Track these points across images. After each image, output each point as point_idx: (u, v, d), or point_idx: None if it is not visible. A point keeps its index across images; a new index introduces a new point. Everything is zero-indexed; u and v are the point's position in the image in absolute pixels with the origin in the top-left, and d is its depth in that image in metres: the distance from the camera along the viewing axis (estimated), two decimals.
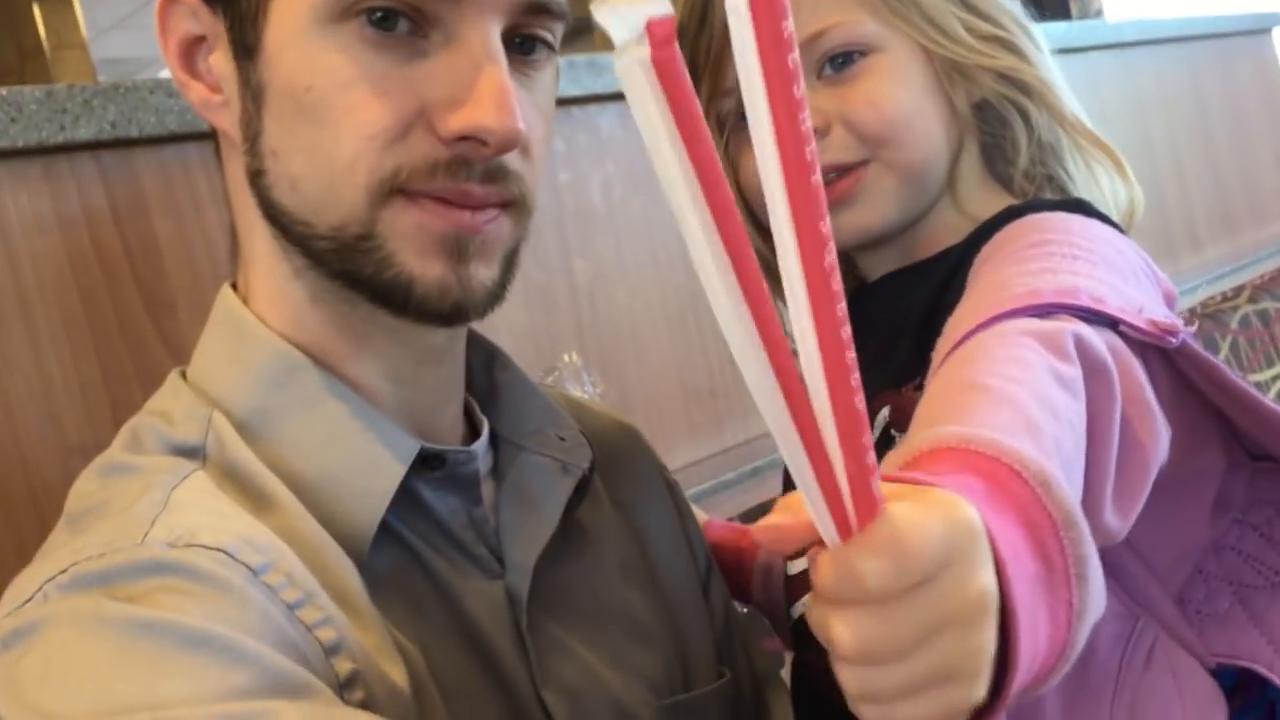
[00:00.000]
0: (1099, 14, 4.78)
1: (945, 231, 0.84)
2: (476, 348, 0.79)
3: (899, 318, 0.81)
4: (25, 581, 0.59)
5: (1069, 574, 0.47)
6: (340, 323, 0.68)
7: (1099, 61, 2.11)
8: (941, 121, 0.83)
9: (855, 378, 0.38)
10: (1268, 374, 1.54)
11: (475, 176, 0.64)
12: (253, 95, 0.65)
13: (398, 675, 0.62)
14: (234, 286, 0.72)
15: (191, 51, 0.68)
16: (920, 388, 0.73)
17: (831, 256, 0.36)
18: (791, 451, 0.38)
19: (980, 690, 0.42)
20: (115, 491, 0.63)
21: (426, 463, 0.68)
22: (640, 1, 0.33)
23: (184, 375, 0.71)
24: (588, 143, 1.28)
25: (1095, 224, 0.77)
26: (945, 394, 0.58)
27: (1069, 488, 0.48)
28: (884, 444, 0.75)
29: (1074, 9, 4.40)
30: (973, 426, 0.51)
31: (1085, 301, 0.65)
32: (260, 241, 0.69)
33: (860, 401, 0.38)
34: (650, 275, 1.33)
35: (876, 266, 0.88)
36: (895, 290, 0.85)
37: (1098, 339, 0.63)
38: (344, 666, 0.59)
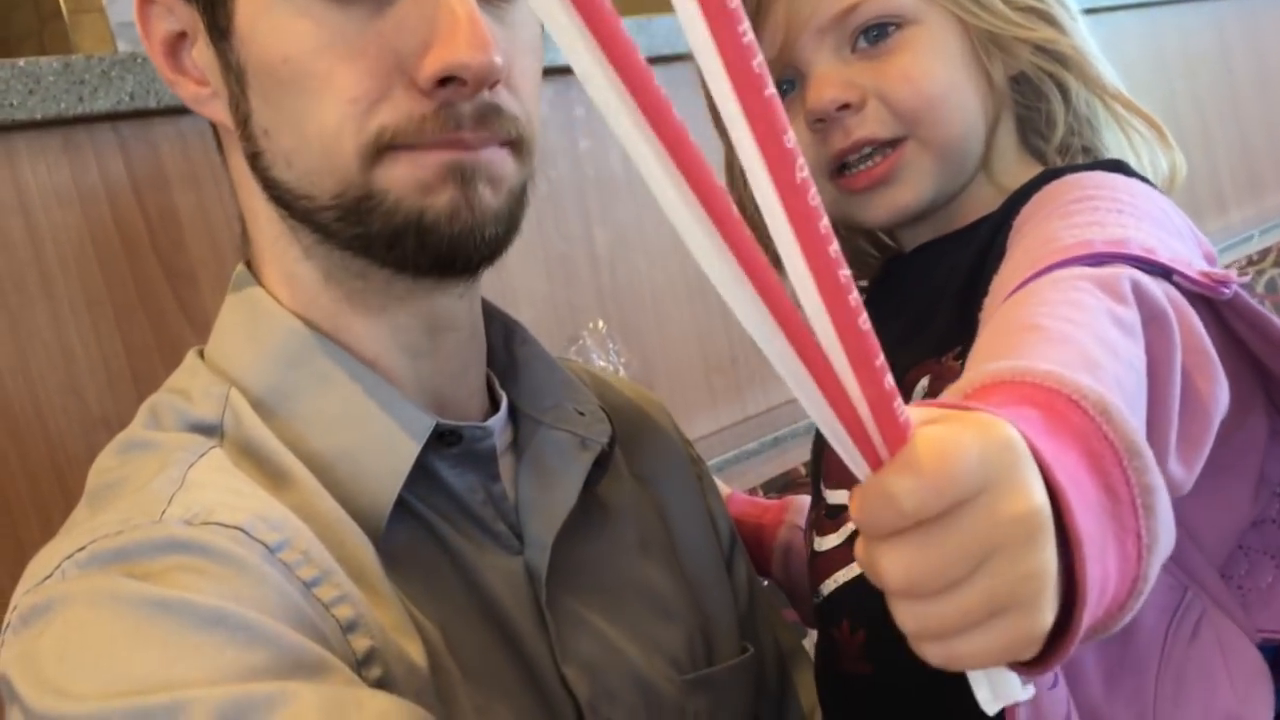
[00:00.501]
0: None
1: (981, 203, 0.83)
2: (496, 322, 0.79)
3: (937, 286, 0.80)
4: (45, 558, 0.59)
5: (1135, 504, 0.45)
6: (354, 299, 0.68)
7: (1123, 21, 2.08)
8: (978, 95, 0.81)
9: (854, 297, 0.36)
10: None
11: (466, 123, 0.63)
12: (236, 78, 0.65)
13: (415, 652, 0.62)
14: (248, 265, 0.72)
15: (175, 49, 0.68)
16: (961, 356, 0.73)
17: (803, 172, 0.35)
18: (803, 388, 0.37)
19: (1045, 619, 0.40)
20: (134, 468, 0.63)
21: (443, 439, 0.68)
22: None
23: (201, 354, 0.71)
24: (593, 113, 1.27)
25: (1136, 182, 0.76)
26: (998, 335, 0.57)
27: (1132, 419, 0.47)
28: None
29: None
30: (1029, 362, 0.50)
31: (1137, 251, 0.64)
32: (268, 225, 0.69)
33: (865, 323, 0.37)
34: (670, 244, 1.32)
35: (911, 239, 0.87)
36: (931, 259, 0.84)
37: (1155, 286, 0.62)
38: (361, 644, 0.59)
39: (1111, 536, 0.44)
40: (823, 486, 0.85)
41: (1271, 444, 0.73)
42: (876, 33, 0.79)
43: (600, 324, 1.18)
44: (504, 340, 0.79)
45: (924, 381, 0.76)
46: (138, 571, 0.55)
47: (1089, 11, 2.13)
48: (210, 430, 0.65)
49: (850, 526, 0.81)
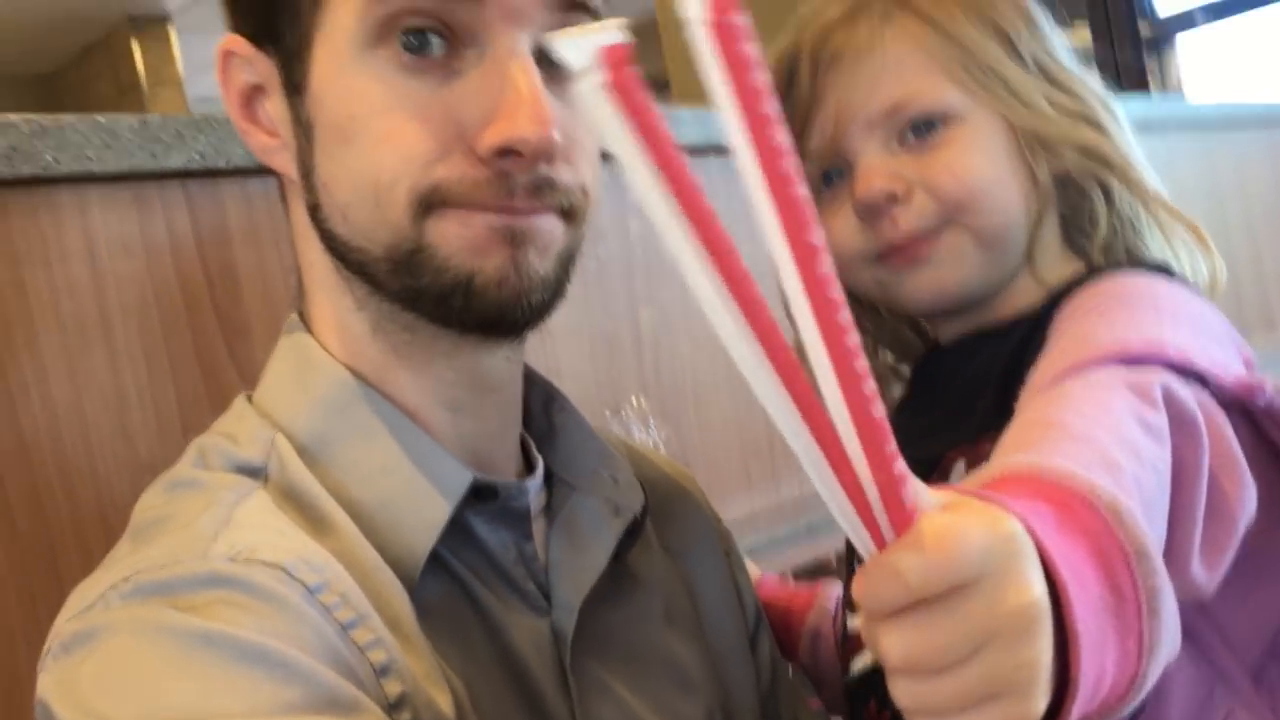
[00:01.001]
0: (1179, 89, 4.74)
1: (1023, 298, 0.84)
2: (536, 388, 0.81)
3: (977, 377, 0.80)
4: (89, 588, 0.61)
5: (1140, 606, 0.46)
6: (401, 351, 0.70)
7: (1177, 141, 2.10)
8: (1021, 191, 0.83)
9: (870, 385, 0.38)
10: None
11: (519, 192, 0.65)
12: (304, 132, 0.68)
13: (444, 702, 0.63)
14: (300, 317, 0.74)
15: (251, 100, 0.72)
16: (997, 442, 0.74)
17: (826, 266, 0.37)
18: (815, 466, 0.39)
19: (1037, 707, 0.41)
20: (180, 506, 0.65)
21: (479, 495, 0.69)
22: (595, 31, 0.35)
23: (250, 399, 0.73)
24: (614, 197, 1.30)
25: (1177, 286, 0.77)
26: (1024, 429, 0.58)
27: (1144, 522, 0.48)
28: None
29: (1153, 84, 4.38)
30: (1048, 459, 0.51)
31: (1172, 354, 0.65)
32: (323, 276, 0.71)
33: (879, 410, 0.38)
34: (714, 329, 1.34)
35: (949, 332, 0.88)
36: (971, 351, 0.85)
37: (1186, 391, 0.63)
38: (393, 688, 0.60)
39: (1112, 634, 0.45)
40: (857, 565, 0.85)
41: None
42: (924, 128, 0.82)
43: (642, 400, 1.19)
44: (544, 406, 0.81)
45: (960, 464, 0.77)
46: (181, 604, 0.57)
47: (1144, 129, 2.14)
48: (255, 472, 0.67)
49: None
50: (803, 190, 0.37)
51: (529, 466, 0.78)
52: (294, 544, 0.62)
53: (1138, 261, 0.84)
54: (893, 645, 0.41)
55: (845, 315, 0.38)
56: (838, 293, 0.38)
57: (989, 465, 0.53)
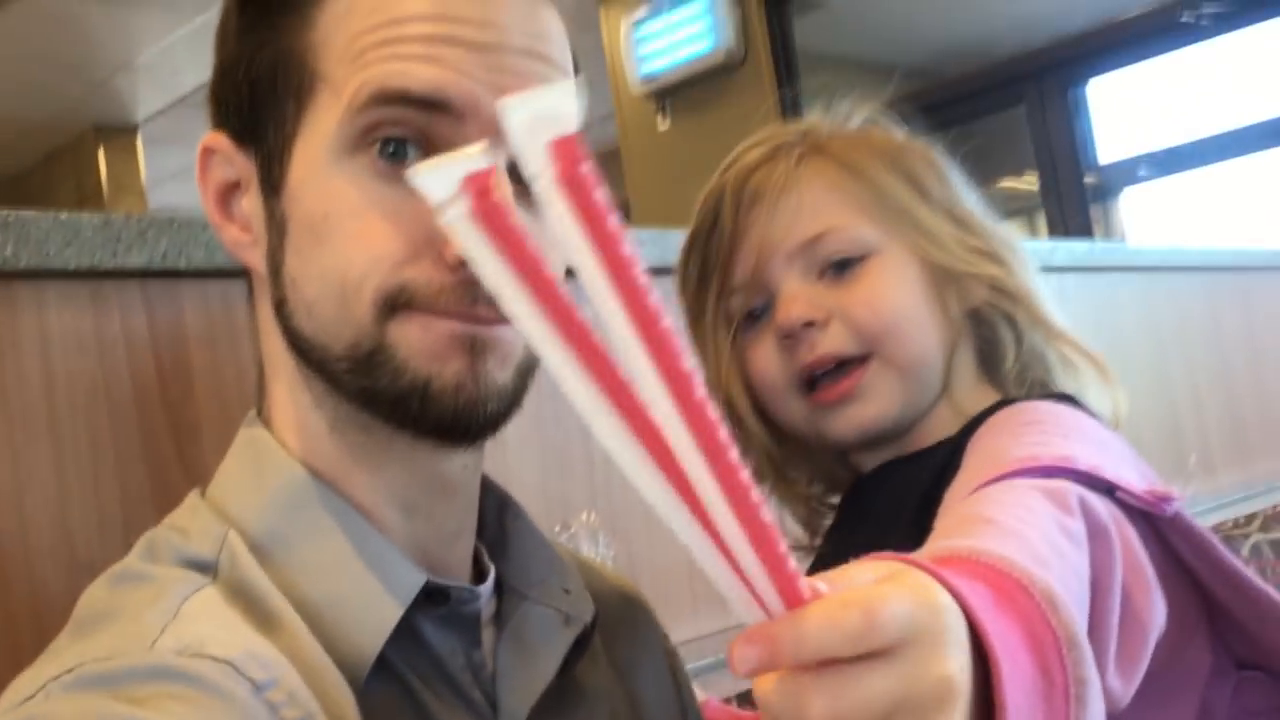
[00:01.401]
0: (1122, 236, 4.89)
1: (940, 427, 0.88)
2: (491, 495, 0.81)
3: (897, 500, 0.83)
4: (26, 681, 0.59)
5: (1069, 693, 0.47)
6: (357, 452, 0.70)
7: (1118, 282, 2.16)
8: (936, 323, 0.88)
9: (756, 494, 0.38)
10: None
11: (483, 300, 0.66)
12: (277, 229, 0.70)
13: None
14: (259, 414, 0.75)
15: (227, 197, 0.73)
16: None
17: (701, 389, 0.38)
18: (706, 559, 0.40)
19: None
20: (126, 599, 0.64)
21: (430, 598, 0.69)
22: (460, 159, 0.35)
23: (203, 494, 0.73)
24: None
25: (1083, 414, 0.82)
26: (952, 525, 0.60)
27: (1076, 612, 0.49)
28: None
29: (1097, 231, 4.51)
30: (984, 544, 0.52)
31: (1081, 466, 0.68)
32: (284, 372, 0.72)
33: (766, 514, 0.39)
34: None
35: (872, 460, 0.91)
36: (890, 478, 0.88)
37: (1099, 502, 0.65)
38: None
39: (1041, 717, 0.45)
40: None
41: (1214, 679, 0.74)
42: (842, 264, 0.87)
43: (592, 516, 1.19)
44: (497, 513, 0.81)
45: None
46: (125, 697, 0.55)
47: (1087, 270, 2.21)
48: (205, 568, 0.67)
49: None
50: (669, 322, 0.37)
51: (480, 574, 0.78)
52: (242, 639, 0.61)
53: (1048, 392, 0.88)
54: (807, 706, 0.40)
55: (723, 433, 0.38)
56: (714, 412, 0.38)
57: (923, 549, 0.54)
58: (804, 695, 0.40)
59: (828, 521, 1.00)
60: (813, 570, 0.88)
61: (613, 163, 4.82)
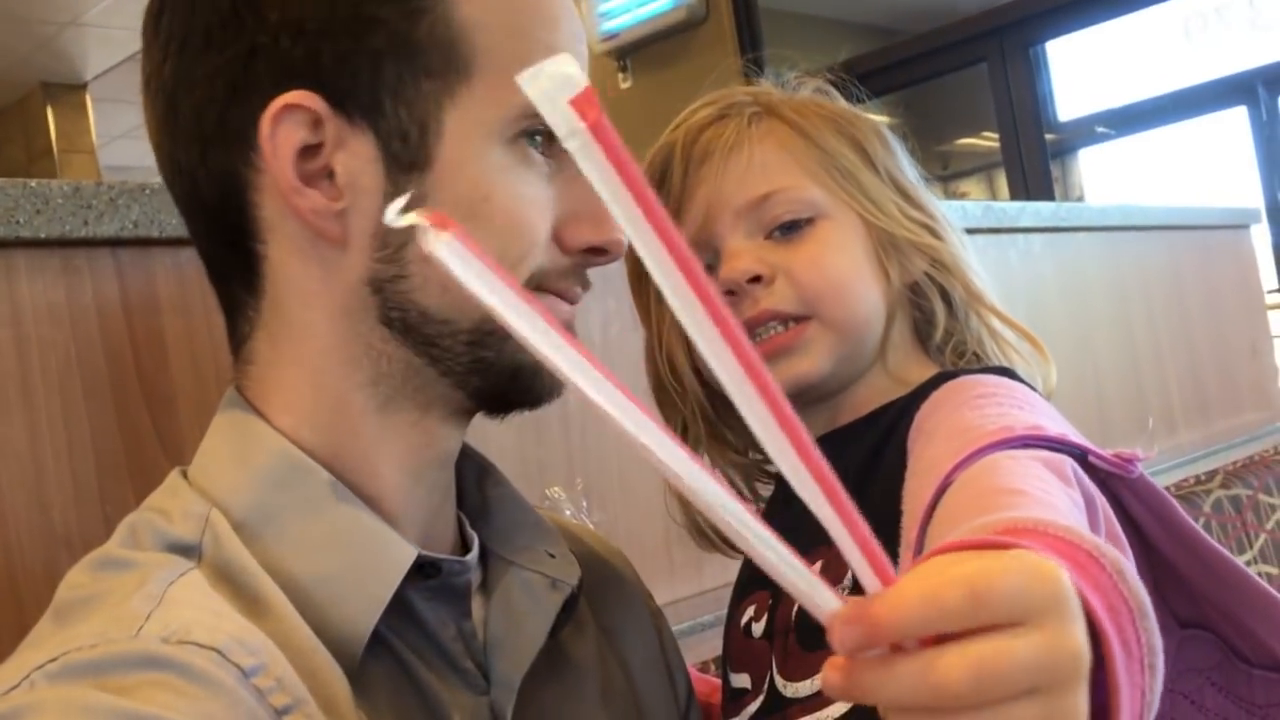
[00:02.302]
0: (1080, 195, 4.92)
1: (874, 395, 0.89)
2: (470, 463, 0.81)
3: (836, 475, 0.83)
4: (10, 670, 0.58)
5: (1143, 662, 0.46)
6: (399, 428, 0.71)
7: (1083, 242, 2.17)
8: (878, 288, 0.89)
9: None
10: (1241, 559, 1.55)
11: (584, 281, 0.74)
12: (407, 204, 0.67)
13: None
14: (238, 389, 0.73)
15: (304, 159, 0.68)
16: None
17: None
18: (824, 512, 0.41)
19: None
20: (109, 585, 0.63)
21: (421, 571, 0.69)
22: (553, 71, 0.38)
23: (185, 474, 0.72)
24: (593, 275, 1.31)
25: (1024, 386, 0.83)
26: (978, 497, 0.59)
27: (1138, 579, 0.48)
28: None
29: (1057, 190, 4.54)
30: (1044, 515, 0.51)
31: (1053, 435, 0.69)
32: (321, 347, 0.70)
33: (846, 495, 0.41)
34: None
35: (809, 429, 0.91)
36: (829, 451, 0.87)
37: (1082, 472, 0.66)
38: None
39: (1135, 689, 0.46)
40: (728, 669, 0.87)
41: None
42: (789, 226, 0.88)
43: (578, 482, 1.19)
44: (477, 481, 0.81)
45: (816, 566, 0.79)
46: (111, 686, 0.55)
47: (1053, 230, 2.22)
48: (188, 551, 0.66)
49: (750, 709, 0.83)
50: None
51: (463, 544, 0.77)
52: (229, 625, 0.61)
53: (985, 366, 0.90)
54: (947, 673, 0.39)
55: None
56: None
57: (977, 522, 0.53)
58: (948, 660, 0.39)
59: (767, 491, 1.00)
60: None
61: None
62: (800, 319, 0.87)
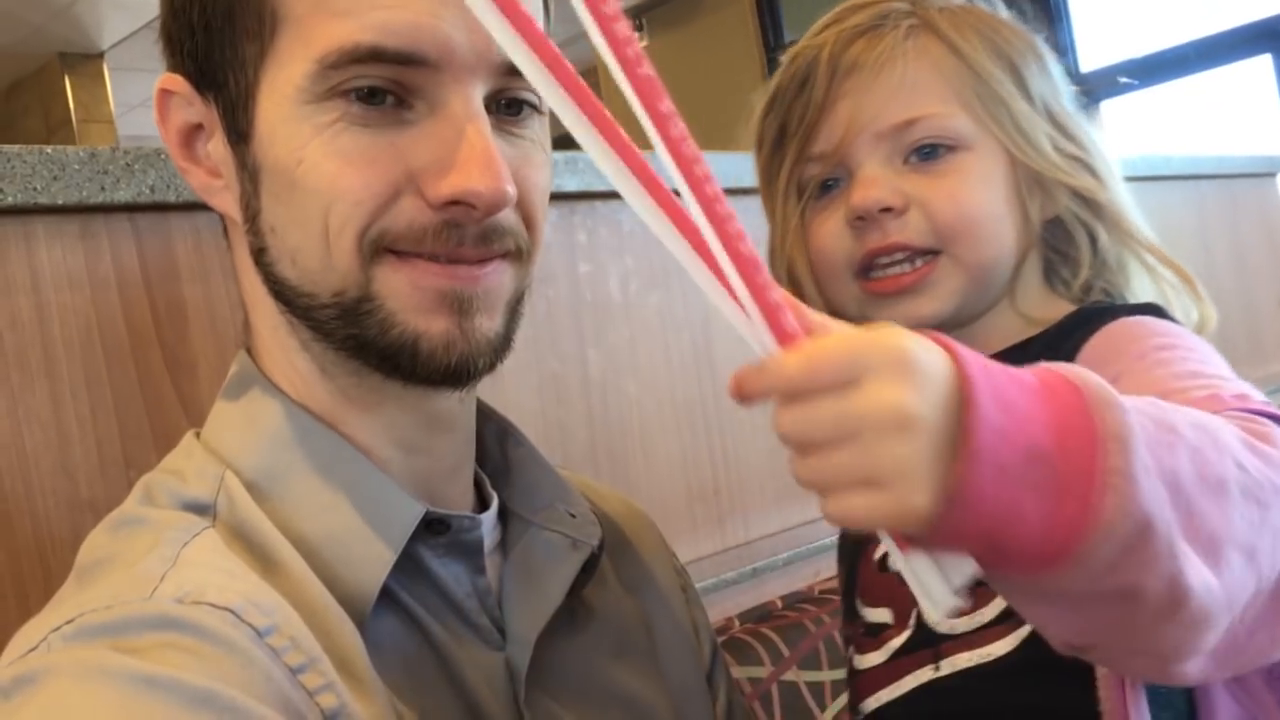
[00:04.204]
0: None
1: (1002, 332, 0.85)
2: (491, 424, 0.81)
3: None
4: (31, 631, 0.59)
5: (1095, 480, 0.47)
6: (350, 393, 0.70)
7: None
8: (1014, 228, 0.84)
9: (735, 226, 0.47)
10: None
11: (468, 239, 0.66)
12: (250, 176, 0.68)
13: None
14: (248, 353, 0.74)
15: (191, 139, 0.71)
16: None
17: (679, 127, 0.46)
18: (714, 295, 0.48)
19: (913, 501, 0.46)
20: (125, 545, 0.64)
21: (431, 528, 0.69)
22: None
23: (198, 436, 0.72)
24: (609, 237, 1.31)
25: (1184, 329, 0.79)
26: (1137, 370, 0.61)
27: (1132, 413, 0.49)
28: None
29: None
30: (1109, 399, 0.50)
31: (1258, 406, 0.65)
32: (268, 316, 0.71)
33: (746, 247, 0.47)
34: (662, 371, 1.35)
35: None
36: None
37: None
38: None
39: (1043, 490, 0.47)
40: (859, 604, 0.85)
41: None
42: (929, 151, 0.83)
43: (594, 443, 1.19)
44: (498, 441, 0.81)
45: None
46: (125, 647, 0.55)
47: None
48: (204, 510, 0.66)
49: (893, 644, 0.82)
50: (649, 70, 0.46)
51: (483, 503, 0.78)
52: (243, 585, 0.61)
53: (1132, 304, 0.84)
54: (779, 417, 0.48)
55: (703, 168, 0.46)
56: (693, 149, 0.46)
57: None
58: (783, 414, 0.48)
59: None
60: None
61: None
62: (929, 253, 0.83)
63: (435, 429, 0.72)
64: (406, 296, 0.65)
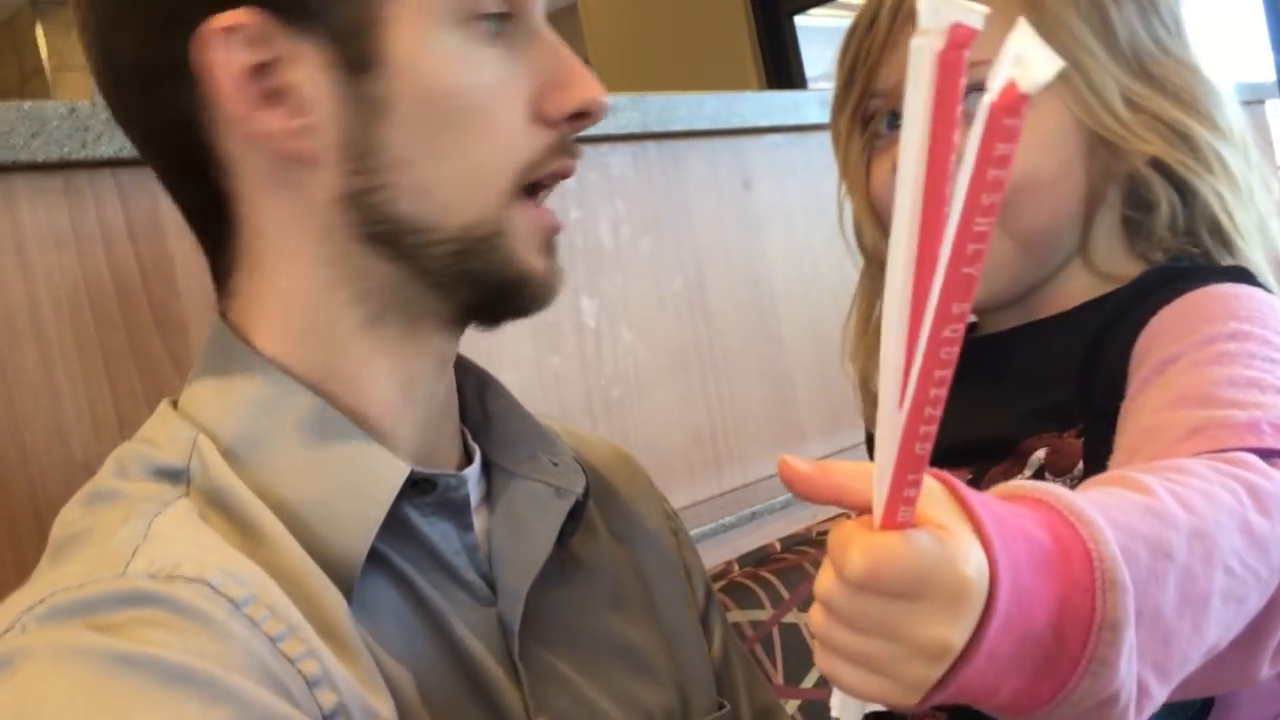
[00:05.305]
0: None
1: (1079, 291, 0.80)
2: (470, 376, 0.79)
3: (1049, 361, 0.78)
4: (6, 610, 0.57)
5: (1081, 666, 0.48)
6: (385, 346, 0.69)
7: None
8: (1074, 192, 0.78)
9: (931, 427, 0.42)
10: None
11: (576, 151, 0.70)
12: (368, 109, 0.64)
13: (384, 707, 0.61)
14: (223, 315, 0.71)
15: (252, 80, 0.64)
16: (1082, 434, 0.73)
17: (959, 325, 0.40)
18: (886, 429, 0.43)
19: (908, 695, 0.47)
20: (98, 519, 0.62)
21: (417, 487, 0.68)
22: (959, 2, 0.36)
23: (174, 404, 0.71)
24: (598, 181, 1.29)
25: (1279, 305, 0.72)
26: (1116, 478, 0.56)
27: (1129, 594, 0.48)
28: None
29: None
30: (1099, 512, 0.50)
31: None
32: (305, 266, 0.68)
33: (923, 448, 0.43)
34: (655, 316, 1.34)
35: (998, 323, 0.85)
36: (1034, 338, 0.81)
37: None
38: (327, 699, 0.59)
39: (1035, 672, 0.47)
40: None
41: None
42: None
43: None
44: (478, 394, 0.80)
45: (1041, 452, 0.75)
46: (100, 624, 0.54)
47: None
48: (176, 476, 0.65)
49: None
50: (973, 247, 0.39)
51: (467, 457, 0.77)
52: (218, 556, 0.59)
53: (1221, 267, 0.78)
54: (823, 581, 0.47)
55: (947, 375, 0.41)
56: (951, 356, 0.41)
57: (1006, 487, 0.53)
58: (831, 580, 0.47)
59: None
60: None
61: (569, 18, 4.69)
62: None
63: (438, 371, 0.72)
64: (526, 236, 0.68)
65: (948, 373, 0.40)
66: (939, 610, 0.45)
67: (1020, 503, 0.50)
